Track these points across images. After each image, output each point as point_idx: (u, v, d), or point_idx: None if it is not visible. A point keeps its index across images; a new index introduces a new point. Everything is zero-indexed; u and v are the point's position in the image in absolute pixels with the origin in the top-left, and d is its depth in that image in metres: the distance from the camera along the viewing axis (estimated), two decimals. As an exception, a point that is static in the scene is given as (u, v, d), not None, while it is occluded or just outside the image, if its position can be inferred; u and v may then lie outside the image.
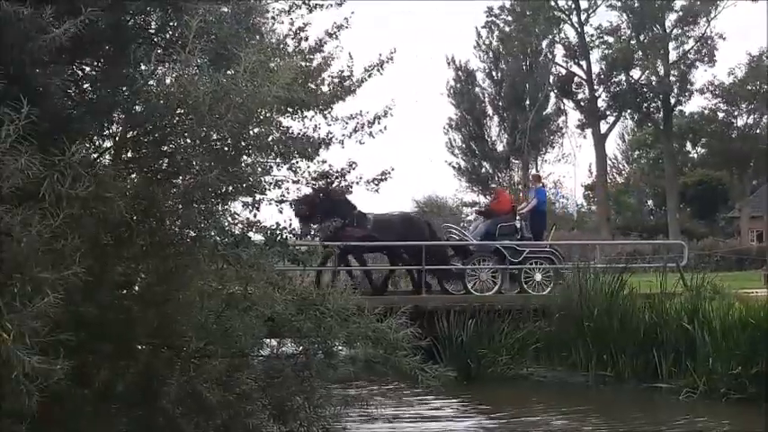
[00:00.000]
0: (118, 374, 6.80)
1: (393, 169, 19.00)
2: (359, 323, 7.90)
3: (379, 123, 16.87)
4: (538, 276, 19.66)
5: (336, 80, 16.32)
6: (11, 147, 4.52)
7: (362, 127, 16.70)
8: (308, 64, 15.64)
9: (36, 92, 5.29)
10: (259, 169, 7.42)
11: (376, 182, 18.66)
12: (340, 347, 8.32)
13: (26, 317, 4.37)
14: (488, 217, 20.91)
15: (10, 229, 4.54)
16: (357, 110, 16.66)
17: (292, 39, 15.74)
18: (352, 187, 17.33)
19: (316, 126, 15.83)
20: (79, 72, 6.49)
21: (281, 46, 14.26)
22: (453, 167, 59.49)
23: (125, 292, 7.03)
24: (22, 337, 4.30)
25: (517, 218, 20.51)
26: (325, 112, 15.94)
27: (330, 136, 16.09)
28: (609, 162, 58.80)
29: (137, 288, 7.16)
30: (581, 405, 14.51)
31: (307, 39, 16.08)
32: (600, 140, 54.08)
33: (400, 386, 13.80)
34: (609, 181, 57.75)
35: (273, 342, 8.28)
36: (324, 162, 16.47)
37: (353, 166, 17.00)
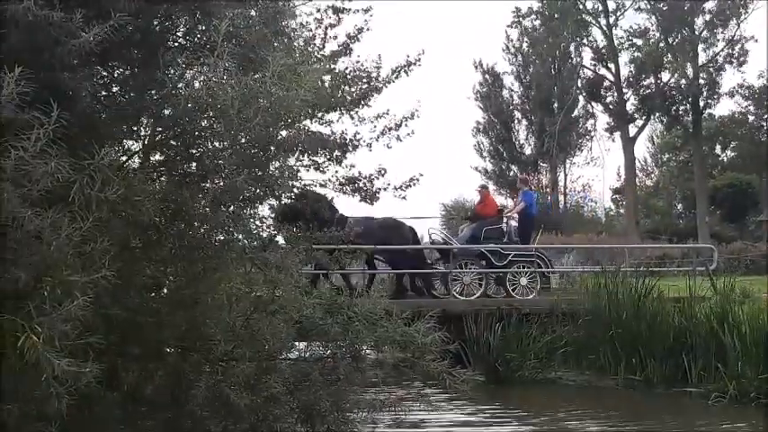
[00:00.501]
0: (146, 377, 6.82)
1: (422, 175, 18.97)
2: (387, 327, 7.90)
3: (406, 126, 16.82)
4: (523, 280, 19.54)
5: (364, 81, 16.30)
6: (41, 150, 4.54)
7: (390, 130, 16.65)
8: (334, 66, 15.63)
9: (66, 96, 5.31)
10: (287, 173, 7.43)
11: (404, 188, 18.64)
12: (368, 351, 8.31)
13: (56, 320, 4.39)
14: (474, 221, 20.79)
15: (40, 232, 4.56)
16: (384, 109, 16.62)
17: (320, 42, 15.75)
18: (379, 193, 17.30)
19: (343, 131, 15.82)
20: (108, 76, 6.52)
21: (309, 49, 14.28)
22: (480, 171, 59.37)
23: (154, 294, 7.06)
24: (51, 340, 4.31)
25: (504, 221, 20.41)
26: (352, 113, 15.91)
27: (358, 136, 16.06)
28: (638, 165, 58.44)
29: (165, 291, 7.18)
30: (612, 409, 14.42)
31: (335, 37, 16.07)
32: (628, 143, 53.77)
33: (429, 391, 13.69)
34: (638, 184, 57.37)
35: (301, 345, 8.28)
36: (352, 167, 16.44)
37: (383, 172, 16.95)
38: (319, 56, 14.96)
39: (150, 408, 6.81)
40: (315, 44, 15.28)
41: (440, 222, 42.62)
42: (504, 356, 16.86)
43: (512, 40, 57.77)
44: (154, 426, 6.83)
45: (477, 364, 16.66)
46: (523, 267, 19.74)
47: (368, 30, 16.23)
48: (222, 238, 6.65)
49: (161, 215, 5.78)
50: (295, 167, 12.94)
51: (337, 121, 15.64)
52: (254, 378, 7.08)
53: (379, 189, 17.19)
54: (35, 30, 5.01)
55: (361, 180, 16.46)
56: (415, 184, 18.45)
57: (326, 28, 15.87)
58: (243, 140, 6.13)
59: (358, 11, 16.17)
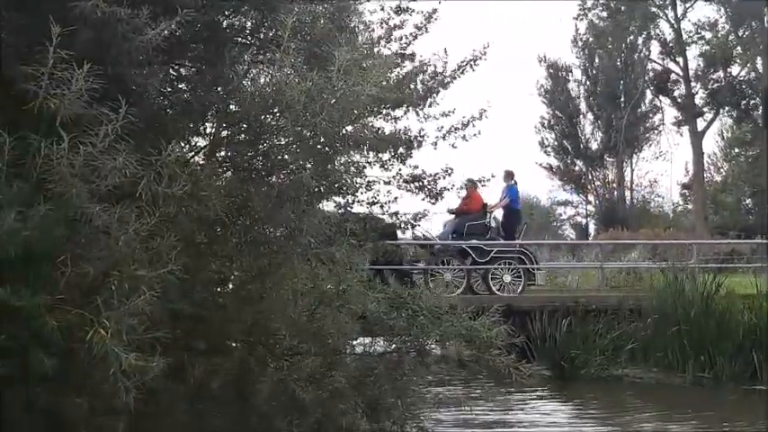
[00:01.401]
0: (212, 372, 6.86)
1: (493, 176, 18.91)
2: (452, 321, 7.87)
3: (473, 126, 16.79)
4: (507, 277, 19.26)
5: (429, 76, 16.30)
6: (109, 146, 4.59)
7: (456, 130, 16.62)
8: (400, 61, 15.64)
9: (133, 92, 5.36)
10: (352, 168, 7.43)
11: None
12: (433, 346, 8.29)
13: (123, 314, 4.43)
14: (459, 216, 20.41)
15: (108, 228, 4.61)
16: (450, 108, 16.59)
17: (384, 42, 15.77)
18: (443, 193, 17.27)
19: (406, 128, 15.81)
20: (174, 72, 6.57)
21: (375, 45, 14.30)
22: (544, 167, 58.95)
23: (219, 289, 7.10)
24: (119, 335, 4.35)
25: (487, 217, 20.08)
26: (418, 109, 15.91)
27: (423, 133, 16.06)
28: (706, 160, 57.48)
29: (231, 286, 7.22)
30: (688, 409, 14.16)
31: (400, 38, 16.08)
32: (697, 138, 53.02)
33: (496, 389, 13.55)
34: (706, 179, 56.48)
35: (366, 340, 8.29)
36: (416, 167, 16.43)
37: (449, 171, 16.91)
38: (384, 52, 14.97)
39: (216, 402, 6.85)
40: (380, 44, 15.32)
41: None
42: (570, 353, 16.72)
43: (579, 33, 57.16)
44: (219, 420, 6.88)
45: (542, 361, 16.55)
46: (507, 264, 19.43)
47: (428, 32, 16.23)
48: (287, 233, 6.66)
49: (226, 210, 5.80)
50: (360, 164, 12.99)
51: (403, 116, 15.64)
52: (319, 373, 7.09)
53: (444, 188, 17.18)
54: (103, 26, 5.06)
55: (425, 178, 16.46)
56: (483, 186, 18.45)
57: (391, 29, 15.90)
58: (308, 136, 6.13)
59: (422, 12, 16.18)
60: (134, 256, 4.73)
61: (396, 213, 16.35)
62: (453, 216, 20.48)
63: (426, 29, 16.18)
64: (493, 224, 20.35)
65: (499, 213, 20.94)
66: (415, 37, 16.19)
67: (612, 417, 13.53)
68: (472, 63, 16.79)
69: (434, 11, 16.32)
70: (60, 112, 4.57)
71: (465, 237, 19.64)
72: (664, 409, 14.18)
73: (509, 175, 21.25)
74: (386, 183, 15.98)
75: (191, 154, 6.57)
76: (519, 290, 19.22)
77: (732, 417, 13.50)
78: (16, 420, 4.78)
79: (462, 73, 16.68)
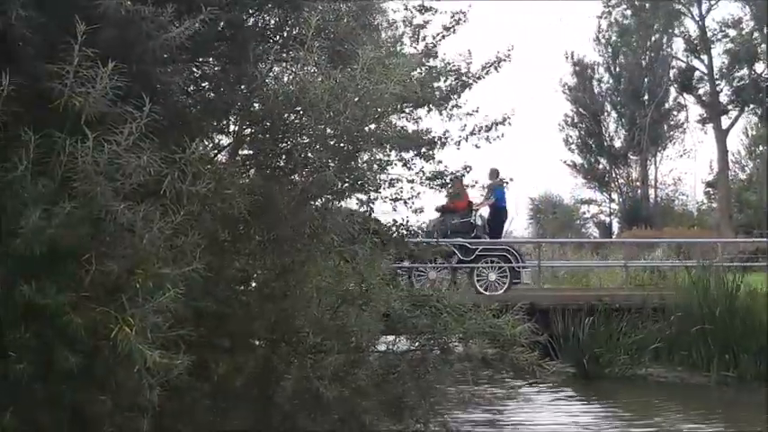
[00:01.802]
0: (236, 369, 6.88)
1: (512, 180, 18.89)
2: (475, 319, 7.86)
3: (496, 129, 16.80)
4: (492, 276, 19.11)
5: (453, 77, 16.30)
6: (133, 144, 4.60)
7: (480, 130, 16.62)
8: (423, 61, 15.64)
9: (157, 90, 5.37)
10: (375, 166, 7.43)
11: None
12: (456, 344, 8.29)
13: (148, 312, 4.44)
14: (444, 214, 20.24)
15: (132, 226, 4.62)
16: (474, 107, 16.59)
17: (409, 41, 15.79)
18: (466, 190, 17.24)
19: (428, 129, 15.82)
20: (198, 71, 6.58)
21: (399, 43, 14.32)
22: (568, 165, 58.75)
23: (243, 287, 7.11)
24: (143, 332, 4.36)
25: (473, 215, 19.92)
26: (441, 109, 15.92)
27: (447, 134, 16.07)
28: (731, 158, 57.11)
29: (254, 284, 7.23)
30: (723, 409, 14.08)
31: (424, 38, 16.09)
32: (721, 136, 52.70)
33: (525, 390, 13.44)
34: (730, 177, 56.13)
35: (389, 338, 8.29)
36: (439, 162, 16.43)
37: (468, 169, 16.92)
38: (409, 50, 14.99)
39: (239, 400, 6.86)
40: (403, 42, 15.34)
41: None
42: (593, 352, 16.67)
43: (602, 31, 56.94)
44: (243, 417, 6.89)
45: (566, 359, 16.51)
46: (492, 262, 19.29)
47: (455, 33, 16.23)
48: (310, 231, 6.66)
49: (250, 209, 5.81)
50: (383, 161, 13.00)
51: (426, 115, 15.66)
52: (342, 371, 7.09)
53: (466, 186, 17.19)
54: (127, 24, 5.07)
55: (447, 176, 16.47)
56: (505, 185, 18.43)
57: (417, 28, 15.92)
58: (331, 134, 6.14)
59: (446, 12, 16.18)
60: (158, 254, 4.74)
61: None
62: (439, 214, 20.39)
63: (454, 30, 16.19)
64: (479, 222, 20.23)
65: (485, 211, 20.81)
66: (443, 37, 16.21)
67: (643, 417, 13.46)
68: (496, 65, 16.78)
69: (462, 13, 16.32)
70: (85, 110, 4.59)
71: (450, 235, 19.54)
72: (695, 409, 14.11)
73: (495, 174, 21.04)
74: (409, 181, 16.00)
75: (214, 152, 6.59)
76: (504, 288, 19.07)
77: (756, 415, 13.42)
78: (40, 418, 4.80)
79: (487, 74, 16.68)
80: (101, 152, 4.54)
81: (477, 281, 19.09)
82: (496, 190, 20.66)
